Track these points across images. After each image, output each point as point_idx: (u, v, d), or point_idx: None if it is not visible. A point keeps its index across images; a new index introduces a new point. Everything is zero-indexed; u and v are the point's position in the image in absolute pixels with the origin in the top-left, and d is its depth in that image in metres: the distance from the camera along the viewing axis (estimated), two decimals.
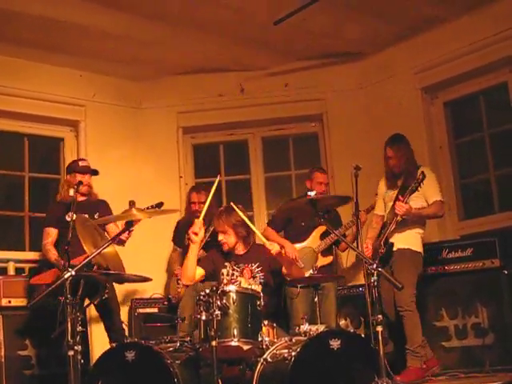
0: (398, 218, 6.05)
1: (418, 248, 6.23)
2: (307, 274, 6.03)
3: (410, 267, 6.10)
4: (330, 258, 6.97)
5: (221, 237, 5.73)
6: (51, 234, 6.55)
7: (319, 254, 6.88)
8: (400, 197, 6.10)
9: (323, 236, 6.90)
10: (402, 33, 7.68)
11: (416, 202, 6.16)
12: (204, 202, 6.70)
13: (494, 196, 7.46)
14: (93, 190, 6.75)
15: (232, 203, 5.74)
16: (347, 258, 6.96)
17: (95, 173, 6.77)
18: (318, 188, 6.86)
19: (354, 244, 5.93)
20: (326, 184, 7.10)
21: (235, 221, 5.68)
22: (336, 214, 6.97)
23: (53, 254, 6.38)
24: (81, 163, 6.74)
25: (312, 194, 4.98)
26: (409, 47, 7.84)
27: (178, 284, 6.87)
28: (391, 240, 6.14)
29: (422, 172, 6.05)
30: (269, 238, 6.79)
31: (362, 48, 8.12)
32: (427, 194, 6.19)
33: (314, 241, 6.91)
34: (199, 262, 5.83)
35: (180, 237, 7.33)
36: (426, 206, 6.23)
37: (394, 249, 6.13)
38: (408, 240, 6.18)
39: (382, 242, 6.14)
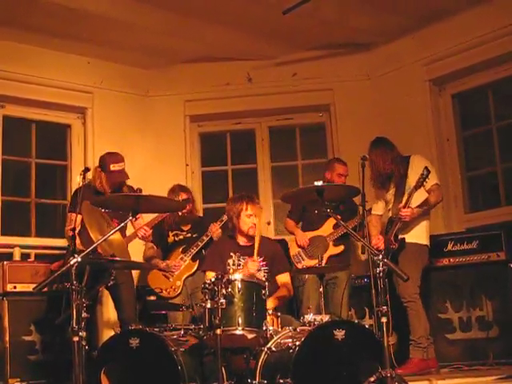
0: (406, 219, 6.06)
1: (424, 241, 6.20)
2: (313, 264, 5.98)
3: (414, 260, 6.07)
4: (340, 248, 6.79)
5: (255, 220, 5.82)
6: (73, 219, 5.99)
7: (331, 243, 6.77)
8: (401, 203, 6.08)
9: (337, 225, 6.71)
10: (411, 24, 7.65)
11: (420, 194, 6.09)
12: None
13: (500, 189, 7.45)
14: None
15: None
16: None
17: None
18: (338, 180, 6.75)
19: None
20: (346, 176, 6.88)
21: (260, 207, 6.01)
22: (352, 203, 6.62)
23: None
24: (112, 167, 6.28)
25: (319, 182, 4.92)
26: (417, 39, 7.81)
27: (170, 279, 6.75)
28: (400, 236, 6.11)
29: (426, 167, 5.99)
30: (288, 229, 7.01)
31: (371, 39, 8.09)
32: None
33: (326, 229, 6.81)
34: (206, 265, 5.87)
35: (160, 235, 6.92)
36: (427, 198, 6.13)
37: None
38: (414, 234, 6.15)
39: (391, 238, 6.12)
